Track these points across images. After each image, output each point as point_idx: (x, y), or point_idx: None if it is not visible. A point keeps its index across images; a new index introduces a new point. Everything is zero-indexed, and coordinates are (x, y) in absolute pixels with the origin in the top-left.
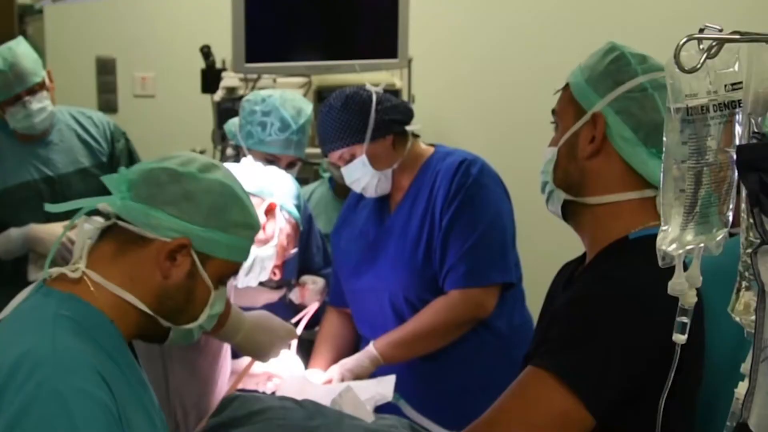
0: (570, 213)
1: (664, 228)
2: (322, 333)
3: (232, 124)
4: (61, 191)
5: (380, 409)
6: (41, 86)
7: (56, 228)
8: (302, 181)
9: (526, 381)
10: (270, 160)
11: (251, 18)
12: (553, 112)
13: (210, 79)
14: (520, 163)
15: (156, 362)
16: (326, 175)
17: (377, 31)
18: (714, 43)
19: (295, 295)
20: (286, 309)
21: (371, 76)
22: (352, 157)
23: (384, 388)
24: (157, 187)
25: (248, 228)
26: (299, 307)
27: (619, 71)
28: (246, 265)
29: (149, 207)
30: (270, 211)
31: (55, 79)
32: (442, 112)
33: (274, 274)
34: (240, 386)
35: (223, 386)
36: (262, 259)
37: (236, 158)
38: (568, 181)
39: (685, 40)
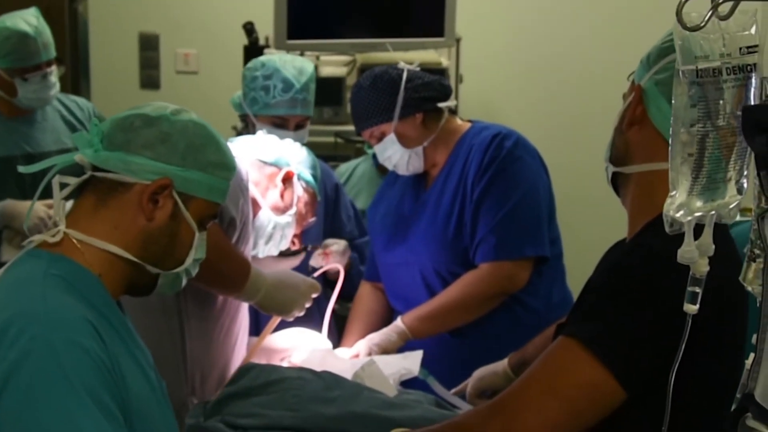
0: (619, 186)
1: (672, 194)
2: (354, 309)
3: (237, 97)
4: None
5: (408, 385)
6: (56, 61)
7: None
8: (344, 158)
9: (556, 350)
10: (278, 123)
11: None
12: (624, 96)
13: (252, 55)
14: (571, 144)
15: (173, 321)
16: (370, 151)
17: (424, 9)
18: (721, 0)
19: (316, 260)
20: (307, 273)
21: (416, 55)
22: (383, 135)
23: (410, 363)
24: (132, 132)
25: (225, 168)
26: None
27: (666, 47)
28: (266, 233)
29: (126, 153)
30: (287, 179)
31: (99, 54)
32: (491, 92)
33: (293, 243)
34: (265, 361)
35: (241, 350)
36: (282, 227)
37: (245, 129)
38: (617, 154)
39: None
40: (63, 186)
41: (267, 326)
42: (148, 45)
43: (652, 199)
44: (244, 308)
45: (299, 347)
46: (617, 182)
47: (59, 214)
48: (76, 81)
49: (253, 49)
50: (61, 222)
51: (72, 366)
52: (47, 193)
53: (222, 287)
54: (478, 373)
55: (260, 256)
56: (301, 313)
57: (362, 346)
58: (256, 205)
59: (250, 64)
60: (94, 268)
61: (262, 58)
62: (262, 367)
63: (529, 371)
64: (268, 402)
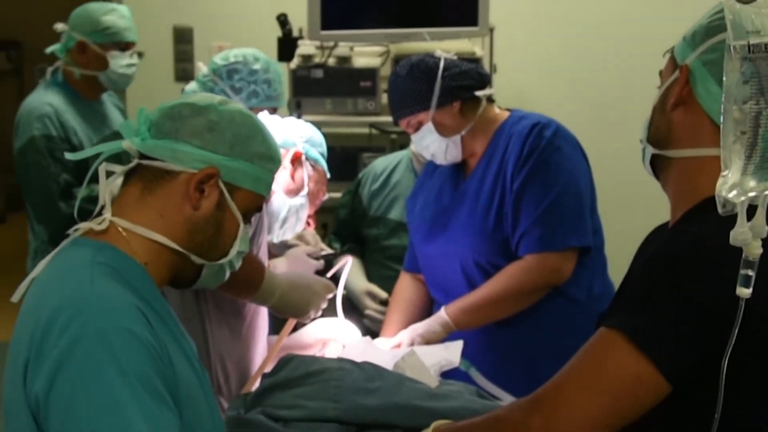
0: (658, 169)
1: (724, 173)
2: (394, 300)
3: (192, 90)
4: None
5: (449, 376)
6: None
7: None
8: (378, 149)
9: (597, 343)
10: (271, 113)
11: None
12: (660, 74)
13: (286, 47)
14: (608, 131)
15: (195, 323)
16: (406, 151)
17: None
18: None
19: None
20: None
21: (450, 45)
22: (420, 124)
23: (451, 353)
24: (180, 120)
25: (270, 160)
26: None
27: (715, 26)
28: (280, 217)
29: (173, 141)
30: (296, 159)
31: (134, 47)
32: (526, 82)
33: (308, 224)
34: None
35: (262, 348)
36: (296, 209)
37: None
38: (657, 136)
39: None
40: (109, 174)
41: (284, 329)
42: (183, 38)
43: (696, 185)
44: (264, 308)
45: (332, 339)
46: (655, 164)
47: (105, 201)
48: None
49: (287, 41)
50: (107, 210)
51: (123, 352)
52: (91, 180)
53: (237, 290)
54: None
55: (275, 241)
56: (318, 315)
57: (405, 335)
58: None
59: (237, 59)
60: (139, 257)
61: (246, 52)
62: (302, 358)
63: (568, 365)
64: (309, 393)
